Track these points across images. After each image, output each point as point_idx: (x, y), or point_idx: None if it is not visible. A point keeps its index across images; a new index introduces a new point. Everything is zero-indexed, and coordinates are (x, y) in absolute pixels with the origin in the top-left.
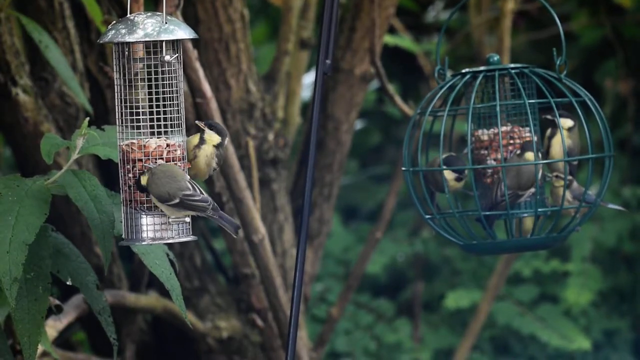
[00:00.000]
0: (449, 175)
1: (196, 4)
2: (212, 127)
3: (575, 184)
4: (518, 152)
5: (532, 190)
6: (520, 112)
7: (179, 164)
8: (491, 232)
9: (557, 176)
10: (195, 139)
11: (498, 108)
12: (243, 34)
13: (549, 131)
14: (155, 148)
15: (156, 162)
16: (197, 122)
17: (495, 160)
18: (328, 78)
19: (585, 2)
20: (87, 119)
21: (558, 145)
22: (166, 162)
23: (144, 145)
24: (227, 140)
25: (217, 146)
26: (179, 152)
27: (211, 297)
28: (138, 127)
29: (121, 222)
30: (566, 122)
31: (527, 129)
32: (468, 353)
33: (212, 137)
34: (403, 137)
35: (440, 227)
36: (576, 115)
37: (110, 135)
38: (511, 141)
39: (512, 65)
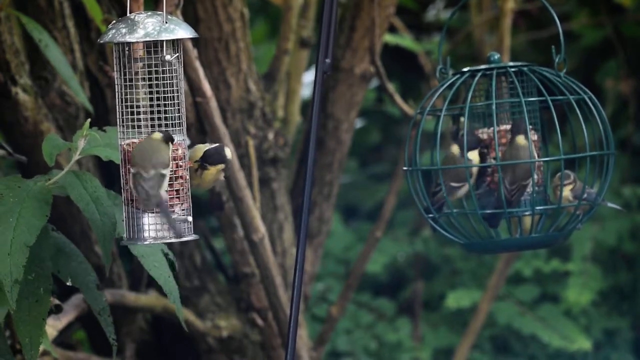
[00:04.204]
0: (474, 156)
1: (196, 3)
2: (209, 158)
3: (578, 185)
4: (509, 137)
5: (536, 188)
6: (522, 111)
7: (181, 163)
8: (495, 231)
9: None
10: (199, 152)
11: (494, 107)
12: (243, 33)
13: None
14: None
15: None
16: (194, 162)
17: (494, 159)
18: (328, 77)
19: (585, 1)
20: (89, 120)
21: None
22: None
23: None
24: (230, 156)
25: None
26: (180, 151)
27: (211, 296)
28: (139, 127)
29: (122, 221)
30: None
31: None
32: (468, 352)
33: (215, 168)
34: (403, 136)
35: (441, 226)
36: (575, 113)
37: (112, 136)
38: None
39: (512, 64)
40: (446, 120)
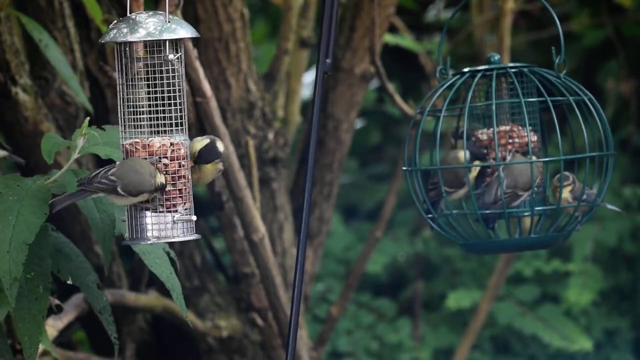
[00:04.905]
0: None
1: (196, 3)
2: (204, 157)
3: (577, 186)
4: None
5: (535, 189)
6: (521, 112)
7: (183, 163)
8: (492, 231)
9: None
10: (198, 145)
11: (494, 107)
12: (243, 33)
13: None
14: (160, 147)
15: (160, 161)
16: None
17: (494, 159)
18: (328, 77)
19: (585, 2)
20: (88, 118)
21: None
22: (170, 160)
23: (148, 144)
24: (223, 149)
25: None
26: (182, 150)
27: (211, 296)
28: (140, 127)
29: (124, 221)
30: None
31: (528, 128)
32: (468, 352)
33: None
34: (403, 136)
35: (440, 226)
36: (574, 114)
37: (111, 134)
38: (510, 140)
39: (512, 65)
40: (446, 120)
